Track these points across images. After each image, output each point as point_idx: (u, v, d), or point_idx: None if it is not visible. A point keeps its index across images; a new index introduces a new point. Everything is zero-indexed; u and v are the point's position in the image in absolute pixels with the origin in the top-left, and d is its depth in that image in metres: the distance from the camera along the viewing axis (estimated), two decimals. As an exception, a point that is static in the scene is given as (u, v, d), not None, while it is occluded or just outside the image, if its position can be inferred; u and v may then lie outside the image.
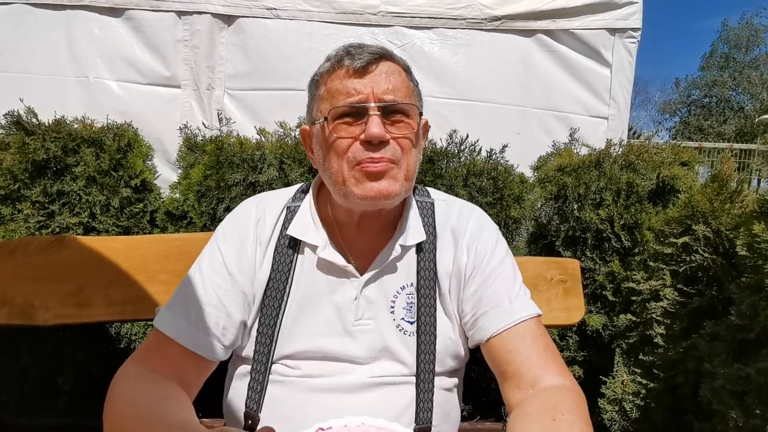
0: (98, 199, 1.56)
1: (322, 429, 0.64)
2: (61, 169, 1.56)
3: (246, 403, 0.82)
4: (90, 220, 1.56)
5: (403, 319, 0.84)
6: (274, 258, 0.82)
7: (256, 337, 0.81)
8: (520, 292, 0.85)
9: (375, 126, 0.74)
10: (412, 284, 0.85)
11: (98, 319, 1.23)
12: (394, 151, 0.77)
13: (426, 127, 0.87)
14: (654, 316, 1.39)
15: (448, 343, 0.85)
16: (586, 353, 1.76)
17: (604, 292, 1.70)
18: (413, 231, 0.85)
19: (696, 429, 1.22)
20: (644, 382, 1.43)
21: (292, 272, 0.82)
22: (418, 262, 0.85)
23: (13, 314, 1.23)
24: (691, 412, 1.28)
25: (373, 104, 0.75)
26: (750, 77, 17.40)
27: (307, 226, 0.83)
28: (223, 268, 0.80)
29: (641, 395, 1.46)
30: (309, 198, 0.87)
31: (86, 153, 1.55)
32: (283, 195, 0.89)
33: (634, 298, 1.50)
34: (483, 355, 0.84)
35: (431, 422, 0.83)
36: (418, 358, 0.83)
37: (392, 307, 0.84)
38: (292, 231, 0.83)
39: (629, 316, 1.51)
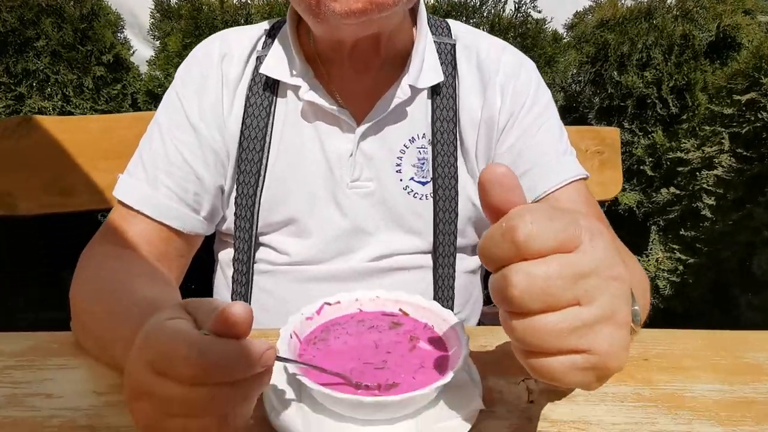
0: (69, 79, 1.37)
1: (329, 304, 0.52)
2: (22, 44, 1.35)
3: (233, 298, 0.70)
4: (64, 104, 1.39)
5: (412, 179, 0.67)
6: (246, 103, 0.64)
7: (236, 209, 0.66)
8: (568, 147, 0.68)
9: None
10: (424, 135, 0.67)
11: (84, 208, 1.12)
12: None
13: None
14: (705, 185, 1.22)
15: (473, 210, 0.69)
16: (618, 233, 1.64)
17: (642, 167, 1.53)
18: (428, 69, 0.64)
19: (743, 302, 1.12)
20: (683, 258, 1.31)
21: (271, 123, 0.64)
22: (434, 110, 0.66)
23: (-6, 206, 1.12)
24: (737, 286, 1.17)
25: None
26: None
27: (285, 62, 0.63)
28: (184, 119, 0.63)
29: (677, 272, 1.36)
30: (285, 29, 0.65)
31: (46, 24, 1.33)
32: (254, 30, 0.68)
33: (680, 169, 1.33)
34: None
35: (453, 310, 0.71)
36: (435, 228, 0.69)
37: (398, 165, 0.67)
38: (266, 69, 0.63)
39: (672, 189, 1.35)
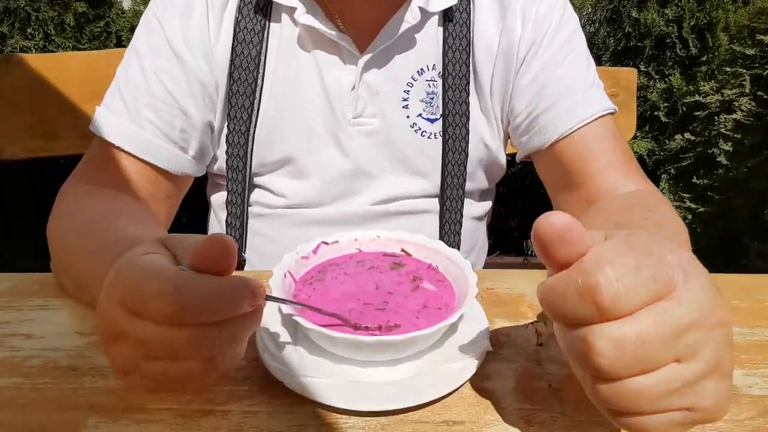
0: (50, 16, 1.28)
1: (326, 243, 0.49)
2: (-3, -21, 1.26)
3: None
4: (46, 43, 1.32)
5: (420, 115, 0.62)
6: (236, 27, 0.57)
7: (227, 148, 0.61)
8: (596, 79, 0.61)
9: None
10: (434, 67, 0.61)
11: (71, 152, 1.07)
12: None
13: None
14: (722, 130, 1.17)
15: (484, 151, 0.65)
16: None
17: (656, 113, 1.47)
18: None
19: (752, 251, 1.09)
20: (693, 207, 1.28)
21: (264, 50, 0.58)
22: (445, 38, 0.60)
23: (-22, 151, 1.08)
24: (747, 235, 1.14)
25: None
26: None
27: None
28: (166, 45, 0.57)
29: (686, 221, 1.33)
30: None
31: (21, -46, 1.24)
32: None
33: (697, 113, 1.27)
34: (534, 166, 0.65)
35: None
36: (443, 170, 0.64)
37: (405, 100, 0.61)
38: None
39: (687, 135, 1.29)
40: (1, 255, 1.33)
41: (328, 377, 0.37)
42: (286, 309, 0.37)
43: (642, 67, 1.47)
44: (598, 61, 1.55)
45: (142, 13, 1.33)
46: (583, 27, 1.57)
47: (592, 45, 1.59)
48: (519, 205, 1.94)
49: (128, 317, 0.27)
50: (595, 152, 0.57)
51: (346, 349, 0.37)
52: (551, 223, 0.24)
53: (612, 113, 0.60)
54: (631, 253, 0.24)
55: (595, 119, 0.58)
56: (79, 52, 1.14)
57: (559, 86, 0.59)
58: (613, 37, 1.54)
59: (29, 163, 1.08)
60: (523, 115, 0.61)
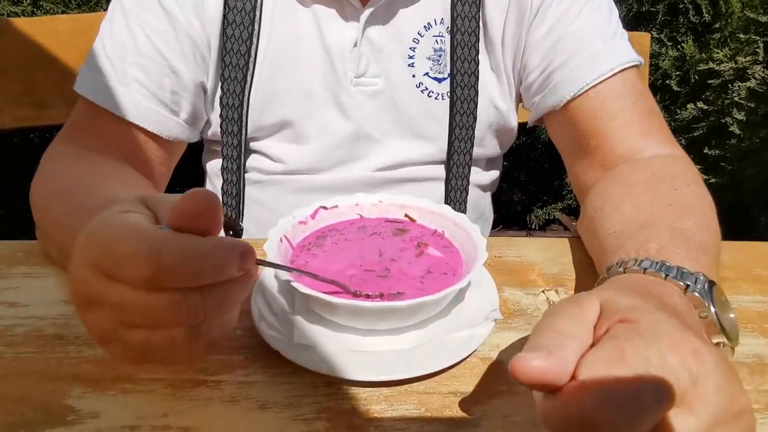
0: (36, -21, 1.23)
1: (325, 208, 0.46)
2: (-22, -62, 1.20)
3: (223, 211, 0.63)
4: (35, 10, 1.27)
5: (427, 74, 0.58)
6: None
7: (221, 111, 0.57)
8: (618, 29, 0.56)
9: None
10: (442, 21, 0.57)
11: (61, 121, 1.03)
12: None
13: None
14: (736, 99, 1.12)
15: (494, 114, 0.61)
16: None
17: (667, 82, 1.42)
18: None
19: (763, 223, 1.07)
20: (705, 177, 1.24)
21: (259, 4, 0.54)
22: None
23: (-33, 120, 1.04)
24: (757, 207, 1.11)
25: None
26: None
27: None
28: (154, 0, 0.53)
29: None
30: None
31: None
32: None
33: (710, 81, 1.22)
34: (547, 129, 0.61)
35: None
36: (450, 134, 0.61)
37: (411, 57, 0.57)
38: None
39: (700, 104, 1.25)
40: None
41: (327, 346, 0.35)
42: (283, 275, 0.35)
43: (654, 34, 1.41)
44: (608, 28, 1.49)
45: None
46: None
47: (601, 11, 1.53)
48: (522, 179, 1.91)
49: (102, 280, 0.25)
50: (611, 111, 0.53)
51: (347, 317, 0.35)
52: (526, 373, 0.22)
53: (636, 65, 0.55)
54: (627, 370, 0.21)
55: (615, 74, 0.53)
56: (67, 15, 1.10)
57: (575, 39, 0.55)
58: (625, 2, 1.48)
59: (20, 133, 1.04)
60: (536, 72, 0.57)
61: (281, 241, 0.40)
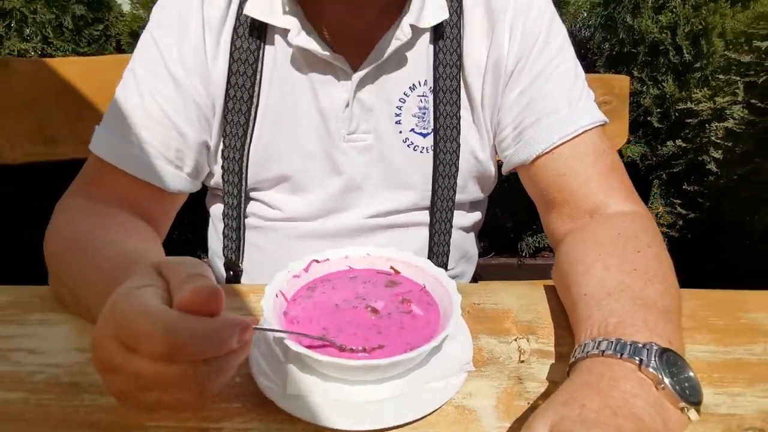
0: (47, 19, 1.29)
1: (317, 261, 0.50)
2: (-6, -19, 1.26)
3: (224, 253, 0.68)
4: (45, 46, 1.32)
5: (412, 130, 0.63)
6: (232, 47, 0.59)
7: (223, 163, 0.62)
8: (583, 92, 0.62)
9: None
10: (425, 82, 0.62)
11: (71, 157, 1.08)
12: None
13: None
14: (713, 138, 1.18)
15: (474, 164, 0.66)
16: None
17: (648, 119, 1.48)
18: (431, 6, 0.58)
19: (741, 260, 1.11)
20: (683, 212, 1.30)
21: (259, 70, 0.60)
22: (436, 53, 0.60)
23: (-22, 154, 1.09)
24: (736, 243, 1.16)
25: None
26: None
27: (273, 2, 0.57)
28: (162, 67, 0.58)
29: (677, 227, 1.35)
30: None
31: (18, -43, 1.24)
32: None
33: (689, 120, 1.28)
34: (521, 180, 0.66)
35: (447, 267, 0.69)
36: (434, 183, 0.66)
37: (398, 115, 0.62)
38: (251, 10, 0.57)
39: (678, 142, 1.31)
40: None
41: (316, 396, 0.39)
42: (278, 333, 0.39)
43: (636, 73, 1.48)
44: (593, 66, 1.56)
45: (141, 17, 1.34)
46: (579, 32, 1.59)
47: (587, 50, 1.60)
48: (514, 206, 1.96)
49: (122, 352, 0.29)
50: (574, 168, 0.58)
51: (334, 371, 0.39)
52: None
53: (601, 125, 0.61)
54: None
55: (578, 135, 0.59)
56: (78, 58, 1.15)
57: (544, 103, 0.60)
58: (608, 41, 1.55)
59: (30, 168, 1.09)
60: (509, 128, 0.63)
61: (276, 296, 0.44)
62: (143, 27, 1.39)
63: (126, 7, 1.39)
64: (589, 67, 1.58)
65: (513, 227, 2.01)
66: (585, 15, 1.49)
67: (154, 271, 0.34)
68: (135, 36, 1.34)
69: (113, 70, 1.07)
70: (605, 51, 1.55)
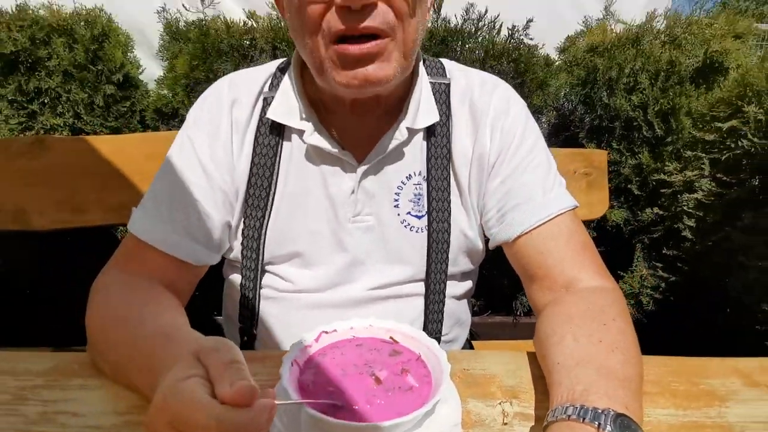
0: (80, 97, 1.43)
1: (326, 332, 0.58)
2: (34, 63, 1.41)
3: (239, 319, 0.76)
4: (75, 121, 1.45)
5: (409, 213, 0.73)
6: (255, 145, 0.70)
7: (243, 240, 0.72)
8: (555, 181, 0.72)
9: None
10: (420, 173, 0.72)
11: (96, 224, 1.17)
12: (385, 16, 0.57)
13: None
14: (685, 208, 1.28)
15: (464, 241, 0.75)
16: (605, 248, 1.70)
17: (629, 186, 1.59)
18: (424, 111, 0.70)
19: (720, 322, 1.18)
20: (665, 275, 1.37)
21: (277, 162, 0.70)
22: (429, 148, 0.71)
23: (8, 220, 1.18)
24: (714, 306, 1.23)
25: None
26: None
27: (291, 107, 0.69)
28: (196, 162, 0.69)
29: (660, 289, 1.42)
30: (290, 75, 0.71)
31: (57, 44, 1.39)
32: (261, 72, 0.74)
33: (663, 190, 1.39)
34: (506, 255, 0.75)
35: (441, 333, 0.76)
36: (428, 258, 0.74)
37: (396, 200, 0.72)
38: (272, 114, 0.68)
39: (656, 209, 1.41)
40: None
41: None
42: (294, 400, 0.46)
43: (614, 145, 1.61)
44: (575, 139, 1.69)
45: (165, 96, 1.47)
46: (562, 106, 1.73)
47: (570, 122, 1.74)
48: (509, 267, 2.03)
49: None
50: (549, 247, 0.68)
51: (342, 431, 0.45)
52: None
53: (572, 209, 0.71)
54: None
55: (552, 218, 0.68)
56: (107, 136, 1.27)
57: (522, 191, 0.70)
58: (588, 115, 1.69)
59: (57, 234, 1.17)
60: (493, 211, 0.73)
61: (292, 365, 0.51)
62: (166, 105, 1.52)
63: (152, 86, 1.53)
64: (572, 138, 1.71)
65: (508, 286, 2.07)
66: (566, 92, 1.64)
67: (194, 358, 0.41)
68: (159, 112, 1.47)
69: (139, 147, 1.19)
70: (586, 124, 1.68)
